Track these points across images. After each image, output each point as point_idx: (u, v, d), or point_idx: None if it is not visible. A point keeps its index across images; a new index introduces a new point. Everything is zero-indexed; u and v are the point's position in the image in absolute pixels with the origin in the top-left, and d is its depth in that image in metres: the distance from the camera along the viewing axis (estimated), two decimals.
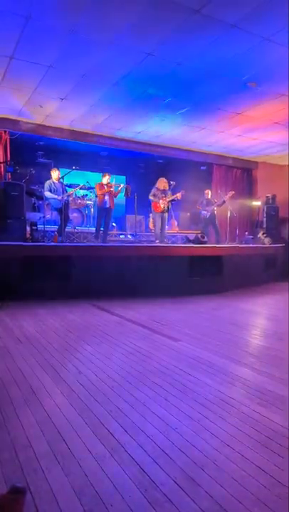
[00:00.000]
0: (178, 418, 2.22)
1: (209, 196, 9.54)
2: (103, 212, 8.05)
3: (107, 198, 7.97)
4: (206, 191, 9.64)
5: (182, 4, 3.96)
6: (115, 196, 8.22)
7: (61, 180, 7.55)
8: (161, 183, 8.17)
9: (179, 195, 8.09)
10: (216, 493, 1.58)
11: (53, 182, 7.59)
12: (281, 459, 1.83)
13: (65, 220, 7.60)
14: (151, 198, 8.16)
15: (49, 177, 7.66)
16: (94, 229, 8.42)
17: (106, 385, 2.68)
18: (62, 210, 7.31)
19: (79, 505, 1.49)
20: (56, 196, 7.40)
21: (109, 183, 8.05)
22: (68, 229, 8.24)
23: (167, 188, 8.17)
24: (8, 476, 1.65)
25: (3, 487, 1.56)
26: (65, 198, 7.51)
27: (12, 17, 4.24)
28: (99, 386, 2.66)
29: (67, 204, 7.73)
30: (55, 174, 7.62)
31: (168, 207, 8.21)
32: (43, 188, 8.53)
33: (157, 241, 8.28)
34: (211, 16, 4.15)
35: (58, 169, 7.73)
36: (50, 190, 7.51)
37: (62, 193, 7.50)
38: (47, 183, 7.57)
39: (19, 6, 4.05)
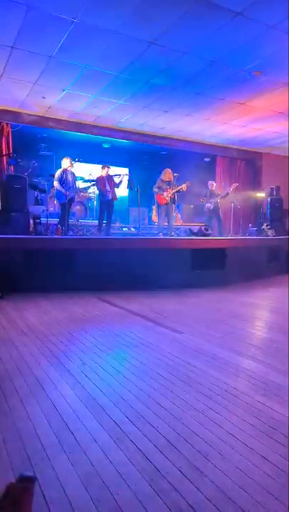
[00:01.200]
0: (183, 409, 2.23)
1: (213, 188, 9.49)
2: (105, 205, 8.02)
3: (108, 190, 7.91)
4: (210, 183, 9.59)
5: None
6: (117, 187, 8.14)
7: (72, 170, 7.39)
8: (166, 174, 8.09)
9: (184, 187, 8.01)
10: (221, 482, 1.59)
11: (65, 171, 7.41)
12: (285, 449, 1.84)
13: (67, 213, 7.56)
14: (155, 190, 8.10)
15: (52, 169, 7.61)
16: (97, 222, 8.40)
17: (110, 375, 2.70)
18: (66, 204, 7.26)
19: (86, 494, 1.51)
20: (63, 190, 7.33)
21: (108, 174, 7.97)
22: (71, 221, 8.22)
23: (172, 179, 8.09)
24: (16, 466, 1.67)
25: (11, 476, 1.58)
26: (72, 194, 7.44)
27: (13, 6, 4.19)
28: (103, 377, 2.68)
29: (72, 199, 7.67)
30: (66, 163, 7.43)
31: (174, 198, 8.11)
32: (46, 180, 8.51)
33: (160, 234, 8.26)
34: (216, 3, 4.08)
35: (70, 158, 7.55)
36: (60, 181, 7.36)
37: (73, 184, 7.42)
38: (58, 172, 7.38)
39: None
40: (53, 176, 8.30)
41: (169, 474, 1.64)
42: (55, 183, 7.35)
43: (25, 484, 0.72)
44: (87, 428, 2.00)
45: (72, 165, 7.43)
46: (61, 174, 7.35)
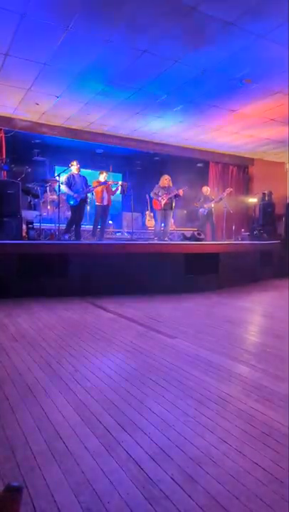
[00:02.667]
0: (175, 415, 2.23)
1: (207, 193, 9.55)
2: (100, 210, 8.04)
3: (104, 195, 7.95)
4: (204, 188, 9.65)
5: (178, 1, 3.94)
6: (113, 194, 8.20)
7: (81, 173, 7.41)
8: (163, 180, 8.17)
9: (180, 192, 8.09)
10: (213, 490, 1.58)
11: (73, 175, 7.41)
12: (278, 455, 1.84)
13: (80, 218, 7.53)
14: (152, 195, 8.19)
15: (45, 175, 7.61)
16: (91, 226, 8.40)
17: (102, 382, 2.69)
18: (77, 207, 7.25)
19: (76, 503, 1.49)
20: (71, 192, 7.32)
21: (106, 180, 8.01)
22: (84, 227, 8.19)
23: (170, 185, 8.17)
24: (5, 475, 1.65)
25: (0, 485, 1.56)
26: (82, 195, 7.43)
27: (7, 14, 4.21)
28: (95, 383, 2.66)
29: (84, 201, 7.66)
30: (74, 167, 7.45)
31: (171, 204, 8.17)
32: (39, 186, 8.50)
33: (156, 238, 8.29)
34: (207, 13, 4.14)
35: (77, 162, 7.56)
36: (69, 185, 7.35)
37: (83, 188, 7.42)
38: (65, 176, 7.38)
39: (14, 2, 4.02)
40: (47, 181, 8.30)
41: (161, 482, 1.63)
42: (63, 187, 7.35)
43: (12, 494, 0.71)
44: (78, 435, 1.98)
45: (79, 169, 7.45)
46: (68, 178, 7.36)
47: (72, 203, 7.39)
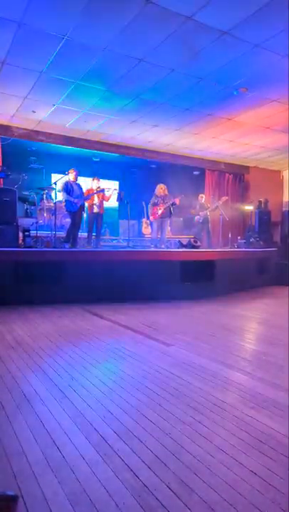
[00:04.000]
0: (171, 423, 2.22)
1: (203, 201, 9.60)
2: (94, 217, 8.05)
3: (96, 202, 7.95)
4: (200, 195, 9.71)
5: (174, 11, 4.00)
6: (106, 200, 8.19)
7: (78, 181, 7.47)
8: (159, 189, 8.23)
9: (177, 201, 8.13)
10: (210, 498, 1.57)
11: (70, 183, 7.44)
12: (274, 463, 1.83)
13: (79, 225, 7.55)
14: (150, 205, 8.27)
15: (42, 183, 7.62)
16: (86, 234, 8.40)
17: (98, 390, 2.67)
18: (77, 213, 7.26)
19: None
20: (71, 198, 7.33)
21: (98, 187, 8.02)
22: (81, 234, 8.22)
23: (166, 193, 8.22)
24: (0, 484, 1.63)
25: None
26: (82, 202, 7.45)
27: (4, 22, 4.25)
28: (91, 391, 2.64)
29: (82, 207, 7.68)
30: (72, 175, 7.48)
31: (168, 212, 8.21)
32: (35, 193, 8.51)
33: (152, 246, 8.31)
34: (203, 23, 4.20)
35: (75, 170, 7.60)
36: (67, 191, 7.37)
37: (80, 195, 7.44)
38: (62, 183, 7.39)
39: (11, 11, 4.06)
40: (43, 188, 8.30)
41: (157, 490, 1.61)
42: (62, 194, 7.37)
43: (7, 503, 0.70)
44: (74, 444, 1.96)
45: (76, 178, 7.48)
46: (65, 184, 7.38)
47: (72, 209, 7.41)
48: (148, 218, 9.91)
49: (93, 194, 7.84)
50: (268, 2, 3.82)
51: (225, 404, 2.50)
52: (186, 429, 2.14)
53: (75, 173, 7.50)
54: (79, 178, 7.72)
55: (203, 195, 9.81)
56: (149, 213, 8.32)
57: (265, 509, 1.52)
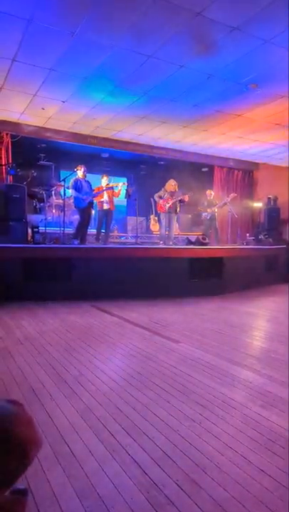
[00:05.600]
0: (180, 420, 2.22)
1: (211, 197, 9.54)
2: (103, 214, 8.04)
3: (106, 199, 7.94)
4: (208, 192, 9.65)
5: (183, 7, 3.97)
6: (116, 196, 8.17)
7: (86, 178, 7.49)
8: (169, 185, 8.17)
9: (186, 197, 8.08)
10: (218, 496, 1.57)
11: (79, 180, 7.46)
12: (283, 461, 1.82)
13: (88, 221, 7.58)
14: (156, 198, 8.18)
15: (50, 179, 7.64)
16: (95, 231, 8.41)
17: (107, 386, 2.68)
18: (86, 209, 7.28)
19: (81, 507, 1.49)
20: (80, 195, 7.35)
21: (108, 184, 8.01)
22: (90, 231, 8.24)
23: (176, 190, 8.16)
24: None
25: None
26: (90, 198, 7.48)
27: (14, 19, 4.26)
28: (100, 387, 2.66)
29: (91, 204, 7.71)
30: (80, 172, 7.49)
31: (175, 208, 8.16)
32: (44, 190, 8.55)
33: (161, 242, 8.28)
34: (212, 18, 4.16)
35: (83, 166, 7.59)
36: (76, 189, 7.40)
37: (89, 192, 7.46)
38: (72, 180, 7.43)
39: (21, 8, 4.07)
40: (52, 185, 8.33)
41: (166, 487, 1.62)
42: (71, 191, 7.40)
43: (17, 497, 0.71)
44: (82, 440, 1.98)
45: (84, 174, 7.50)
46: (75, 182, 7.40)
47: (80, 205, 7.42)
48: (156, 214, 9.88)
49: (102, 191, 7.84)
50: None
51: (233, 401, 2.49)
52: (195, 427, 2.14)
53: (83, 169, 7.50)
54: (88, 175, 7.73)
55: (212, 192, 9.74)
56: (157, 206, 8.27)
57: (273, 507, 1.51)
